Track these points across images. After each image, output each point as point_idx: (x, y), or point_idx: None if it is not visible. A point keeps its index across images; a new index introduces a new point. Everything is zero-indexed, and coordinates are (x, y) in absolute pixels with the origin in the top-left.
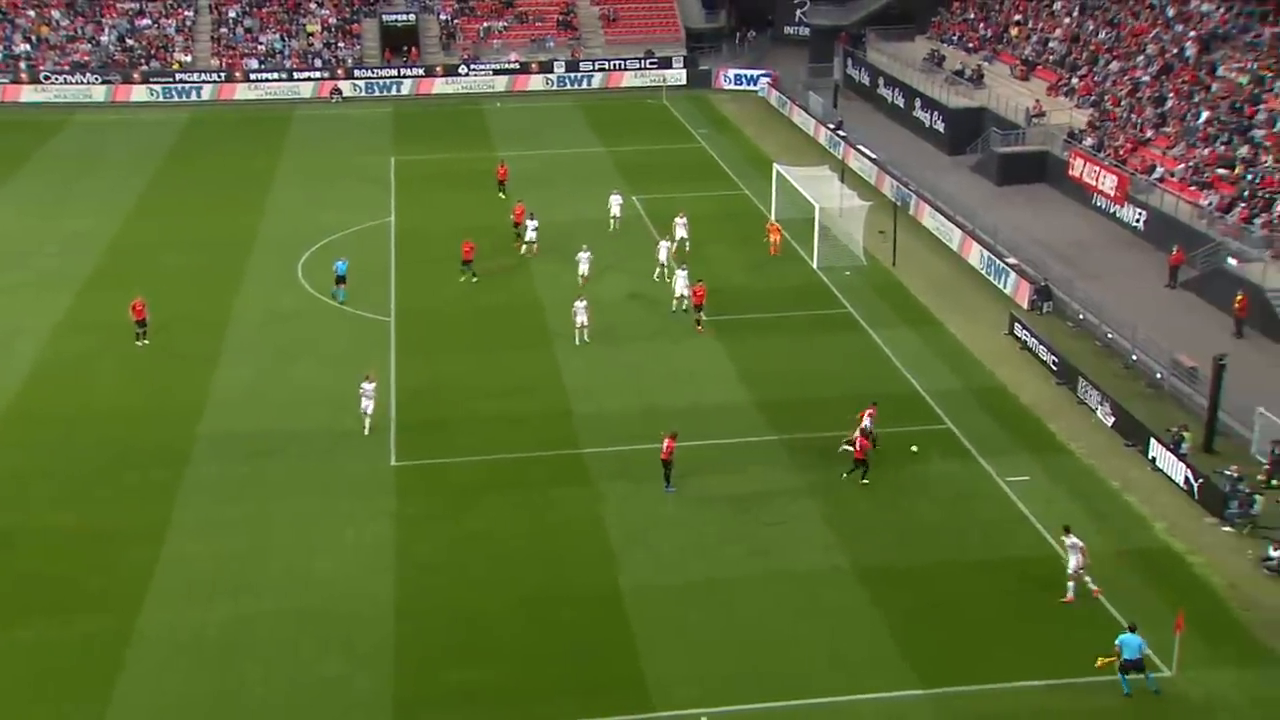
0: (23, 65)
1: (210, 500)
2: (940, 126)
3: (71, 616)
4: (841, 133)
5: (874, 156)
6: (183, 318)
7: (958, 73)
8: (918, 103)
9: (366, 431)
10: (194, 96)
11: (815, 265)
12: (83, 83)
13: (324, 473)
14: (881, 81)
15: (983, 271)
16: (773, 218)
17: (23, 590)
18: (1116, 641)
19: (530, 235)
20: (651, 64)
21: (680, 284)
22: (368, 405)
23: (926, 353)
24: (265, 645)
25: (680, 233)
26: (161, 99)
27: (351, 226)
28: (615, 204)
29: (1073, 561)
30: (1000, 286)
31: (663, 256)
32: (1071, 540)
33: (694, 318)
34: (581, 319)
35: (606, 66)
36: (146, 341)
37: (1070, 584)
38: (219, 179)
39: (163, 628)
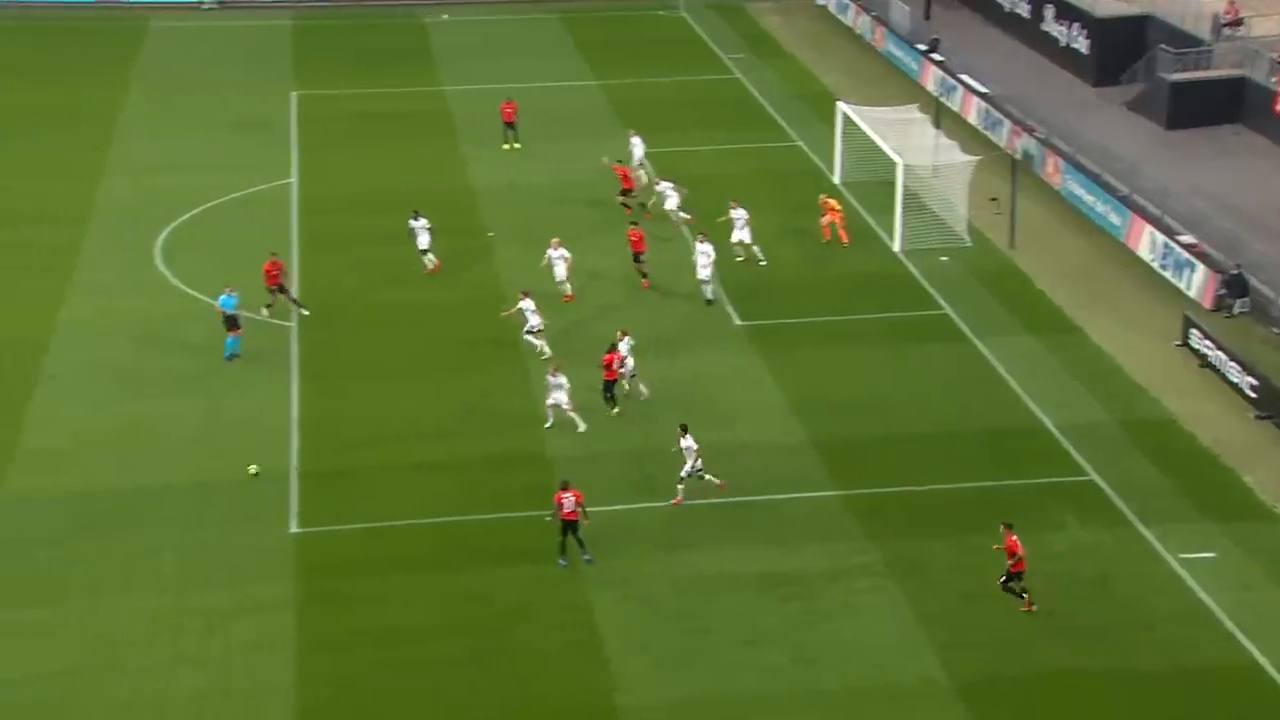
0: None
1: (16, 593)
2: (1082, 45)
3: None
4: (937, 56)
5: (984, 90)
6: None
7: None
8: (1049, 11)
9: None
10: None
11: (898, 248)
12: None
13: (190, 547)
14: None
15: (1145, 256)
16: (836, 179)
17: None
18: None
19: (424, 241)
20: None
21: (703, 265)
22: (559, 398)
23: (1060, 372)
24: None
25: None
26: None
27: (234, 191)
28: (637, 149)
29: (688, 465)
30: (1171, 277)
31: (741, 233)
32: (687, 442)
33: (638, 269)
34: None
35: None
36: None
37: (680, 487)
38: (32, 121)
39: None
